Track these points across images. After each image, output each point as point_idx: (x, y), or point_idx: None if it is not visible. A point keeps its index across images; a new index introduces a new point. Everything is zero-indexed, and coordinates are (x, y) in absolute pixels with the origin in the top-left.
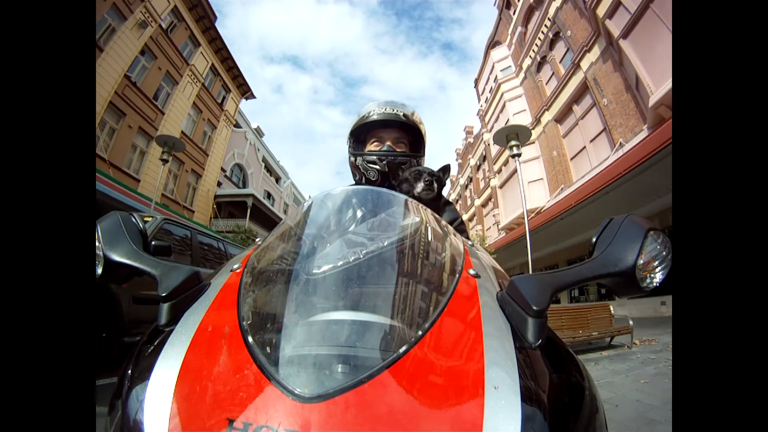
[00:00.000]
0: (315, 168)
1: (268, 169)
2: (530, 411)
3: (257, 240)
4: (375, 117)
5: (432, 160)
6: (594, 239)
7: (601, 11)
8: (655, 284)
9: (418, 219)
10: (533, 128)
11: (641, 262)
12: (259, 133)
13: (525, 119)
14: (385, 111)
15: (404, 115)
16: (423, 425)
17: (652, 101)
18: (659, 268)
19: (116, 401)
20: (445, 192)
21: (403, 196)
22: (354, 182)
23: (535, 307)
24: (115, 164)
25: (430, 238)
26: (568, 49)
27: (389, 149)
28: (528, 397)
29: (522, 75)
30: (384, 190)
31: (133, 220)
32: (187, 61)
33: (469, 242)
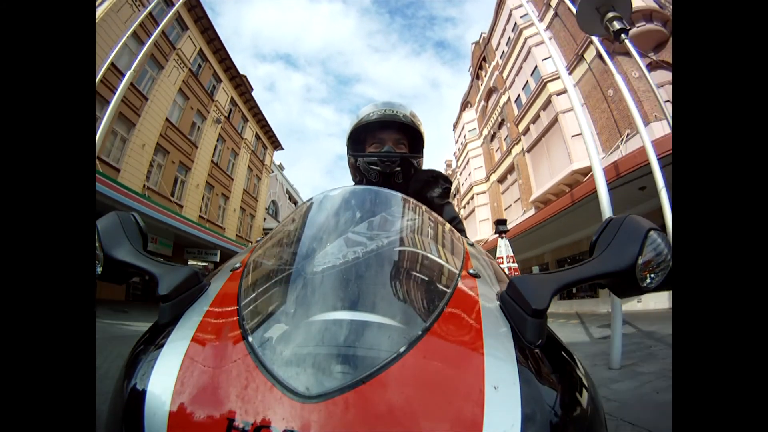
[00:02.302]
0: (306, 167)
1: (290, 197)
2: (530, 411)
3: (257, 240)
4: (374, 118)
5: (426, 158)
6: (594, 239)
7: (520, 128)
8: (655, 284)
9: (418, 218)
10: (486, 182)
11: (641, 262)
12: (280, 168)
13: (481, 174)
14: (385, 112)
15: (404, 115)
16: (423, 425)
17: (531, 198)
18: (659, 268)
19: (116, 400)
20: None
21: (401, 195)
22: (354, 183)
23: (535, 307)
24: (213, 221)
25: (430, 238)
26: (507, 135)
27: (389, 150)
28: (528, 397)
29: (482, 140)
30: (383, 189)
31: (133, 220)
32: (242, 136)
33: (469, 241)
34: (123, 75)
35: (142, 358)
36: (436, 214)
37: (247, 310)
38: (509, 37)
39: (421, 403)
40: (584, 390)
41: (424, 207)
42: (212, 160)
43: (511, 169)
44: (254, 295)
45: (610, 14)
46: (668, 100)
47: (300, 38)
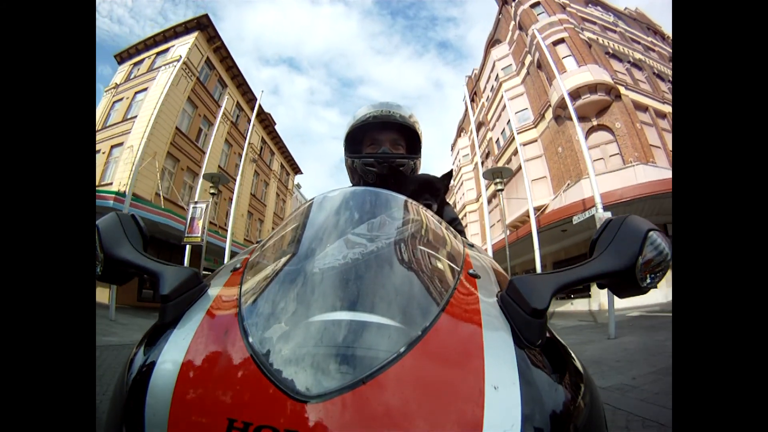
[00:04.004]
0: (310, 170)
1: None
2: (530, 411)
3: (258, 240)
4: (371, 119)
5: (430, 158)
6: (594, 239)
7: (499, 165)
8: (655, 284)
9: (418, 219)
10: (476, 202)
11: (641, 262)
12: (298, 187)
13: (473, 195)
14: (381, 112)
15: (400, 116)
16: (423, 425)
17: (506, 222)
18: (659, 268)
19: (117, 401)
20: None
21: (402, 196)
22: (351, 185)
23: (535, 307)
24: (254, 242)
25: (429, 239)
26: (493, 165)
27: (386, 151)
28: (528, 397)
29: (472, 165)
30: (383, 190)
31: (133, 220)
32: (270, 168)
33: (468, 242)
34: (182, 133)
35: (143, 358)
36: (436, 215)
37: (247, 311)
38: (492, 85)
39: (421, 404)
40: (584, 390)
41: (423, 208)
42: (251, 193)
43: (494, 195)
44: (254, 295)
45: (497, 179)
46: (600, 158)
47: (302, 41)
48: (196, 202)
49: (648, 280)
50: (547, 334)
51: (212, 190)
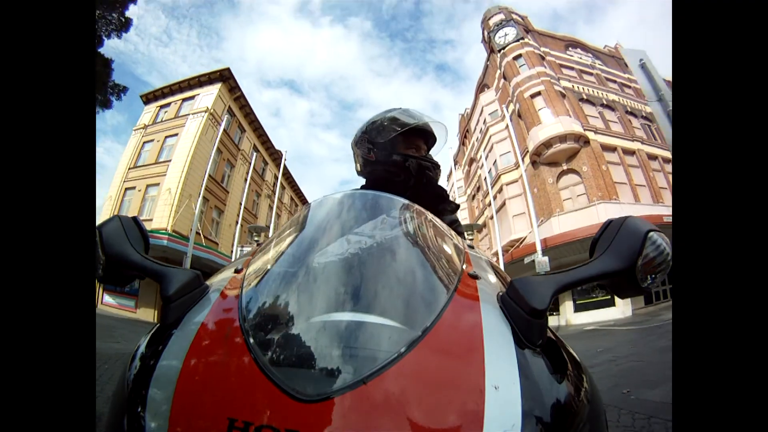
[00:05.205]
0: (310, 193)
1: None
2: (530, 411)
3: (258, 243)
4: (420, 124)
5: None
6: (594, 239)
7: (486, 201)
8: (655, 285)
9: (418, 221)
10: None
11: (641, 262)
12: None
13: (465, 223)
14: (423, 120)
15: (430, 130)
16: (423, 425)
17: (492, 251)
18: (659, 268)
19: (118, 401)
20: None
21: (402, 199)
22: (373, 177)
23: (535, 308)
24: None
25: (430, 240)
26: (482, 200)
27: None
28: (528, 397)
29: (466, 196)
30: (384, 194)
31: (135, 223)
32: (282, 201)
33: (469, 244)
34: (210, 176)
35: (145, 358)
36: (436, 218)
37: (248, 312)
38: (481, 127)
39: (422, 403)
40: (584, 389)
41: (424, 210)
42: (267, 225)
43: (484, 225)
44: (255, 296)
45: (468, 232)
46: (569, 198)
47: (303, 64)
48: (243, 246)
49: (648, 280)
50: (548, 335)
51: (257, 238)
